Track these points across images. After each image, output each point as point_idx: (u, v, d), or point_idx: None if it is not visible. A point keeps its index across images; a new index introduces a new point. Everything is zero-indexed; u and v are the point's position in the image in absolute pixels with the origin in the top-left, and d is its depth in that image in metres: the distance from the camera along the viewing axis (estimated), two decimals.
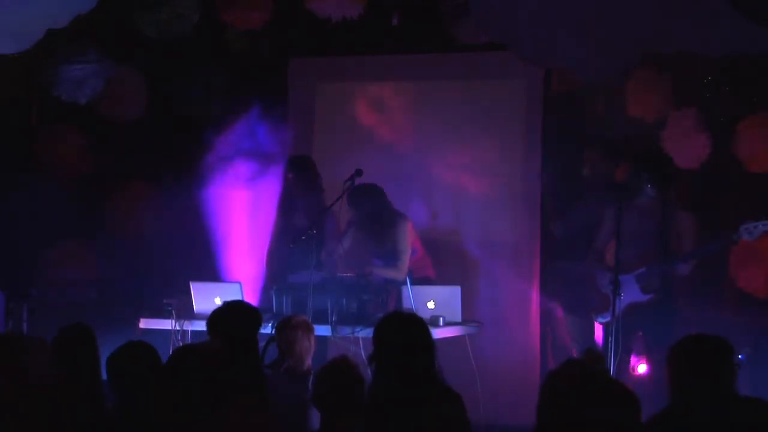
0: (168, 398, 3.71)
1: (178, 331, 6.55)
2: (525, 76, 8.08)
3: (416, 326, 4.26)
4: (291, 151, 8.17)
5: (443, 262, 8.02)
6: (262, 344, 5.83)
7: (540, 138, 8.09)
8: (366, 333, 6.09)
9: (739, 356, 6.70)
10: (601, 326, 6.69)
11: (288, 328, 5.36)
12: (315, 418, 4.60)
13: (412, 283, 6.57)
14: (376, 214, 7.05)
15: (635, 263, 6.27)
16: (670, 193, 6.46)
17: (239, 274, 7.84)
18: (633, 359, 6.77)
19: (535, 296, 7.89)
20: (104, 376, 4.61)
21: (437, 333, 6.29)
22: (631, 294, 6.21)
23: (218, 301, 6.18)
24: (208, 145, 8.15)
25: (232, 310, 4.96)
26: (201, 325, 5.73)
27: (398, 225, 7.04)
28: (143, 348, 4.18)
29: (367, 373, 4.29)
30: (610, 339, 5.86)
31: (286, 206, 7.47)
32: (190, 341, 6.44)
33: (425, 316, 6.33)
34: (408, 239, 7.06)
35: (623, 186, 6.44)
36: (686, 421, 3.84)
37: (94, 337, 4.64)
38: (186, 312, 6.59)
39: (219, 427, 3.53)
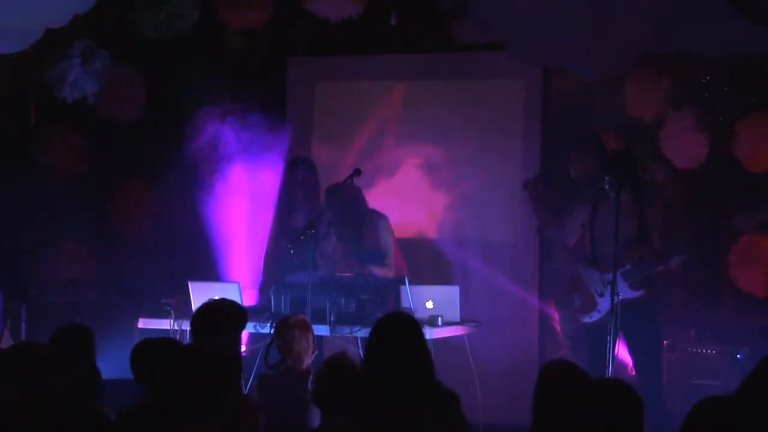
0: (170, 397, 3.71)
1: (177, 330, 6.54)
2: (524, 76, 8.08)
3: (411, 328, 4.28)
4: (289, 151, 8.17)
5: (442, 262, 8.02)
6: (261, 344, 5.84)
7: (539, 138, 8.09)
8: (364, 333, 6.07)
9: (738, 356, 6.71)
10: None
11: (285, 327, 5.36)
12: (315, 417, 4.60)
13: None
14: (351, 213, 7.00)
15: (620, 261, 6.24)
16: (639, 191, 6.42)
17: (238, 275, 7.84)
18: (630, 358, 6.76)
19: (534, 296, 7.89)
20: (102, 375, 4.63)
21: (436, 333, 6.29)
22: (621, 291, 6.20)
23: None
24: (207, 145, 8.16)
25: (217, 308, 4.95)
26: None
27: (378, 223, 7.00)
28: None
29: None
30: (608, 338, 5.84)
31: (288, 206, 7.46)
32: (188, 341, 6.43)
33: (424, 315, 6.34)
34: (391, 236, 7.04)
35: (597, 188, 6.43)
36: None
37: (92, 336, 4.63)
38: (184, 312, 6.57)
39: (213, 426, 3.53)
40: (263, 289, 7.19)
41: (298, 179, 7.33)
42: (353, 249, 7.02)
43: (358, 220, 6.99)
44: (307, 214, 7.17)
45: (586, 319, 6.50)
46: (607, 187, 6.22)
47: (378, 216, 7.06)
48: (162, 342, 4.59)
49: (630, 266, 6.27)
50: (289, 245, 6.78)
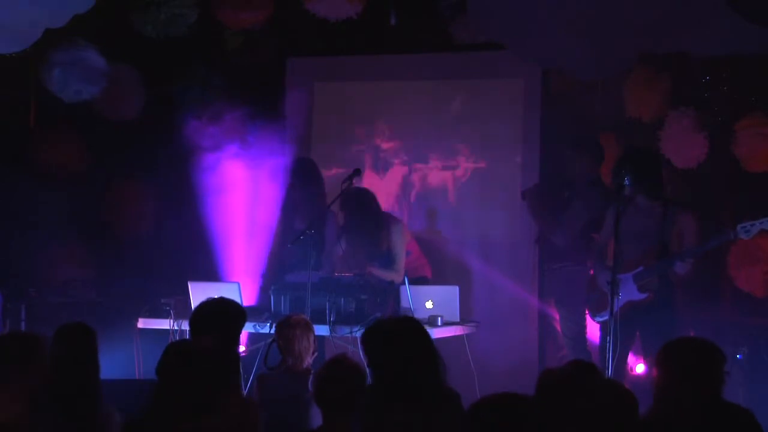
0: (166, 397, 3.71)
1: (176, 330, 6.54)
2: (523, 76, 8.08)
3: (403, 332, 4.26)
4: (289, 151, 8.18)
5: (441, 262, 8.02)
6: (261, 344, 5.84)
7: (539, 138, 8.09)
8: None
9: (737, 356, 6.71)
10: (598, 325, 6.68)
11: (287, 327, 5.37)
12: (315, 417, 4.60)
13: (409, 284, 6.58)
14: (366, 218, 7.03)
15: (635, 262, 6.26)
16: (657, 190, 6.40)
17: (238, 275, 7.84)
18: (631, 359, 6.76)
19: (533, 296, 7.88)
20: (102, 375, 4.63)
21: (435, 333, 6.28)
22: (628, 293, 6.20)
23: None
24: (207, 145, 8.16)
25: (215, 306, 4.94)
26: None
27: (392, 228, 7.05)
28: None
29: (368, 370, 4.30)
30: (608, 338, 5.84)
31: (289, 208, 7.48)
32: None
33: (423, 316, 6.34)
34: (403, 242, 7.07)
35: (614, 186, 6.40)
36: (669, 425, 3.82)
37: (94, 336, 4.62)
38: (184, 312, 6.57)
39: (214, 425, 3.53)
40: (264, 289, 7.22)
41: (296, 182, 7.35)
42: (365, 254, 7.05)
43: (372, 224, 7.02)
44: (308, 215, 7.18)
45: (598, 319, 6.51)
46: (626, 184, 6.19)
47: (392, 220, 7.11)
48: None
49: (642, 268, 6.26)
50: (289, 245, 6.80)
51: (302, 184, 7.35)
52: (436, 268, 7.87)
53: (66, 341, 4.54)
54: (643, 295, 6.27)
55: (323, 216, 7.01)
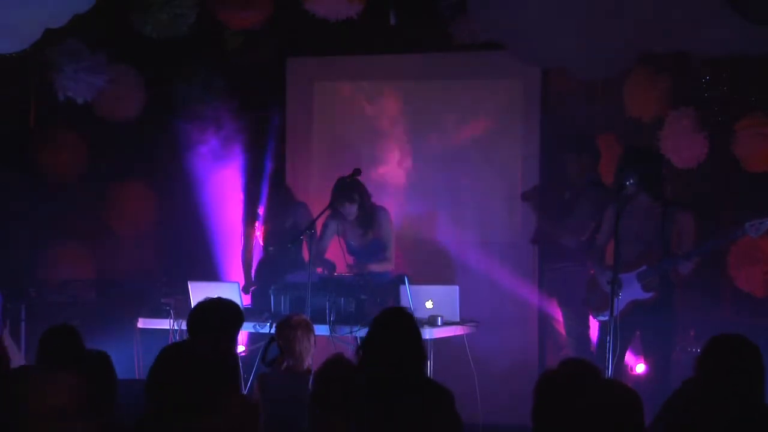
0: (162, 398, 3.71)
1: (176, 330, 6.54)
2: (523, 76, 8.08)
3: (404, 321, 4.29)
4: (289, 151, 8.19)
5: (442, 262, 8.03)
6: (261, 344, 5.85)
7: (538, 138, 8.09)
8: (364, 332, 6.07)
9: None
10: (598, 324, 6.67)
11: (288, 327, 5.37)
12: None
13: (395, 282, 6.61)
14: (364, 207, 7.06)
15: (636, 261, 6.26)
16: (659, 190, 6.41)
17: (238, 275, 7.85)
18: (631, 359, 6.76)
19: (533, 296, 7.89)
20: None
21: (435, 333, 6.30)
22: (632, 292, 6.20)
23: None
24: (206, 145, 8.16)
25: (212, 307, 4.93)
26: None
27: (381, 217, 7.09)
28: None
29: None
30: (608, 338, 5.83)
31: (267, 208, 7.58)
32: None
33: (423, 315, 6.34)
34: (391, 230, 7.12)
35: (615, 186, 6.40)
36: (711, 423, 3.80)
37: (78, 336, 4.61)
38: (184, 312, 6.57)
39: (214, 425, 3.53)
40: (253, 289, 7.29)
41: (267, 197, 7.44)
42: (358, 243, 7.06)
43: (367, 214, 7.05)
44: (277, 212, 7.25)
45: (601, 318, 6.51)
46: (628, 184, 6.18)
47: (380, 208, 7.13)
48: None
49: (645, 267, 6.26)
50: (289, 245, 6.81)
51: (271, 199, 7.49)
52: (437, 268, 7.88)
53: (51, 344, 4.54)
54: (648, 294, 6.26)
55: (319, 215, 7.06)
